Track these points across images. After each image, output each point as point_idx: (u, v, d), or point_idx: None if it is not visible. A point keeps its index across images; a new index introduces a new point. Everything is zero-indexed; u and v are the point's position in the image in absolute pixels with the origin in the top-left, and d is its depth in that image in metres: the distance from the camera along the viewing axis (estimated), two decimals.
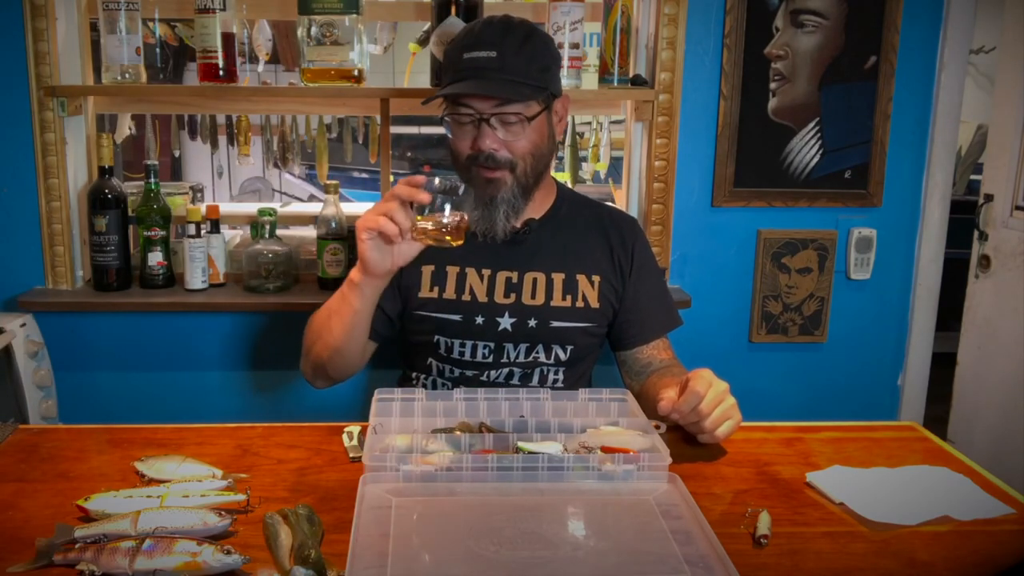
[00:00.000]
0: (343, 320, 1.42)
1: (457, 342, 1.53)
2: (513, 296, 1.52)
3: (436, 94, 1.46)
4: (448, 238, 1.28)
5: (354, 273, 1.38)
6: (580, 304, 1.54)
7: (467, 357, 1.53)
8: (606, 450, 1.17)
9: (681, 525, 1.03)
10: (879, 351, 2.30)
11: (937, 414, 2.58)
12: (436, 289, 1.53)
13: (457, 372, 1.55)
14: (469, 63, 1.42)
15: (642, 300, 1.59)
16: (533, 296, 1.53)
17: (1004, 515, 1.13)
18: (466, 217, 1.28)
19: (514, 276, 1.53)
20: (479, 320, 1.51)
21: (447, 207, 1.26)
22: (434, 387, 1.58)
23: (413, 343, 1.58)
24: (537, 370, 1.55)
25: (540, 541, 0.99)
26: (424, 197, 1.25)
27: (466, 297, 1.52)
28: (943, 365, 2.53)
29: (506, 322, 1.52)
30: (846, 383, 2.29)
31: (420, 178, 1.27)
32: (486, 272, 1.53)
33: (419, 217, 1.28)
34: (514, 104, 1.41)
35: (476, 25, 1.46)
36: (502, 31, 1.43)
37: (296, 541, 0.98)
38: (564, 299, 1.54)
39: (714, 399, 1.25)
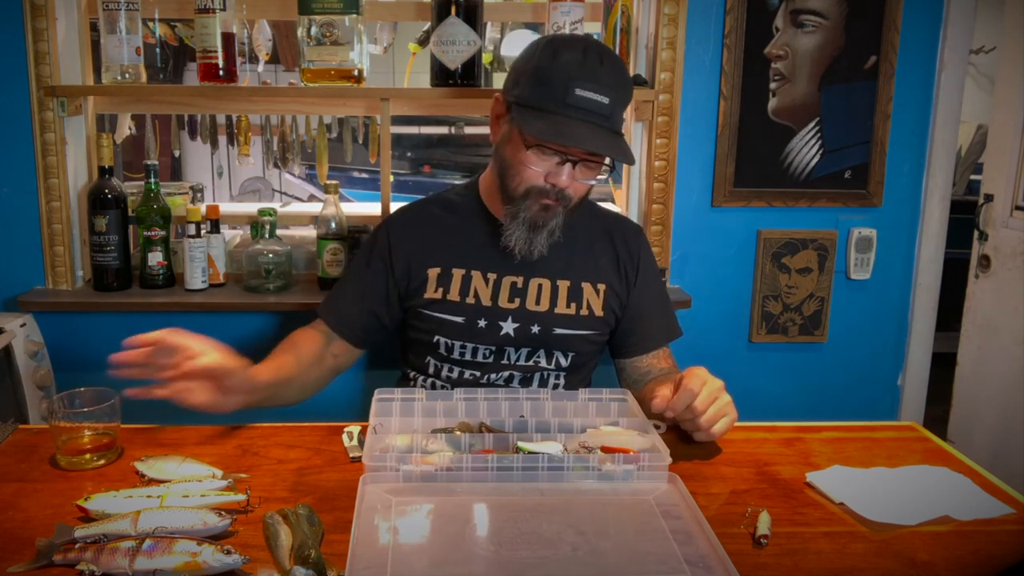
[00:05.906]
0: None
1: (458, 343, 1.52)
2: (517, 301, 1.52)
3: (567, 141, 1.34)
4: None
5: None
6: (584, 312, 1.54)
7: (467, 358, 1.53)
8: (606, 450, 1.17)
9: (681, 525, 1.03)
10: (879, 351, 2.30)
11: (937, 414, 2.59)
12: (440, 291, 1.53)
13: (456, 372, 1.55)
14: (582, 102, 1.33)
15: (645, 309, 1.59)
16: (537, 302, 1.52)
17: (1004, 515, 1.13)
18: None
19: (519, 281, 1.53)
20: (481, 323, 1.51)
21: None
22: (432, 388, 1.58)
23: (413, 340, 1.58)
24: (537, 374, 1.55)
25: (540, 541, 0.99)
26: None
27: (470, 300, 1.52)
28: (943, 365, 2.54)
29: (509, 327, 1.51)
30: (846, 383, 2.29)
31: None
32: (491, 276, 1.53)
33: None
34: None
35: (587, 55, 1.35)
36: (612, 69, 1.36)
37: (296, 541, 0.98)
38: (568, 307, 1.53)
39: (708, 396, 1.25)
